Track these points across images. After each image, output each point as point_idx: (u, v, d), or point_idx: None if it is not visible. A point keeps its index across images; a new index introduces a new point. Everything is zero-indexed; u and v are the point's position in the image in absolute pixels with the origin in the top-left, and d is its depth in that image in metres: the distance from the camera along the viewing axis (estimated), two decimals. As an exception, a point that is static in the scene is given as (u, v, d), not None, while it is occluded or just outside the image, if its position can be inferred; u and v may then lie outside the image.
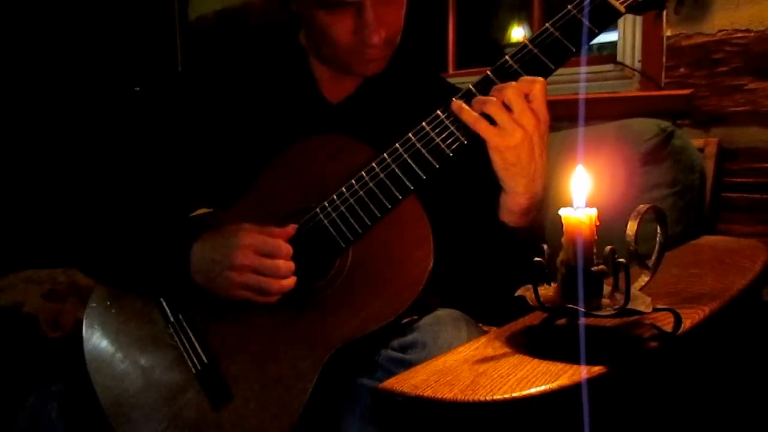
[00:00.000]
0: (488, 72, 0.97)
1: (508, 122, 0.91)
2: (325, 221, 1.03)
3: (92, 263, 1.16)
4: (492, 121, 0.93)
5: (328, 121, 1.14)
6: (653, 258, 0.80)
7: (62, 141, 2.52)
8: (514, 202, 0.99)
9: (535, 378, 0.66)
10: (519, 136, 0.91)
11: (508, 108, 0.91)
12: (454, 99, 0.97)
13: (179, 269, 1.03)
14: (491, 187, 1.00)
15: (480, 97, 0.94)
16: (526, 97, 0.91)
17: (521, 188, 0.97)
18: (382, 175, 1.00)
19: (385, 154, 1.00)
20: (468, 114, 0.94)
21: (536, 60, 0.94)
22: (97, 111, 2.64)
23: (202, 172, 1.15)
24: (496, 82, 0.95)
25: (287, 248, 0.99)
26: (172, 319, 1.07)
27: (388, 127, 1.01)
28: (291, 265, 0.99)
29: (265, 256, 0.98)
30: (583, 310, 0.70)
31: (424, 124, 0.98)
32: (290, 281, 0.99)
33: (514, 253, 0.96)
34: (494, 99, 0.92)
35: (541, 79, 0.92)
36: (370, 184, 1.01)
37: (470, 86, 0.97)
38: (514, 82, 0.92)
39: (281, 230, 1.01)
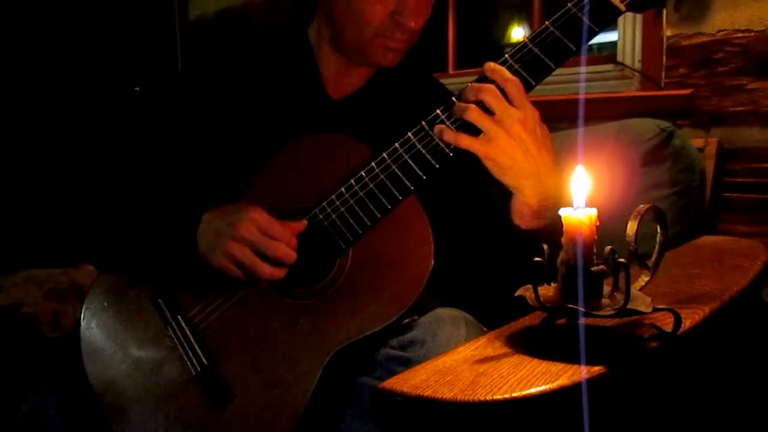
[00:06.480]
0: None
1: (491, 127, 0.90)
2: (325, 222, 1.02)
3: (102, 241, 1.14)
4: (475, 128, 0.92)
5: (328, 118, 1.14)
6: (653, 258, 0.80)
7: (63, 140, 2.52)
8: (523, 203, 0.97)
9: (535, 378, 0.66)
10: (504, 138, 0.90)
11: (489, 112, 0.91)
12: (436, 124, 0.96)
13: (186, 233, 1.03)
14: (492, 186, 1.00)
15: (459, 105, 0.93)
16: (506, 97, 0.91)
17: (529, 190, 0.95)
18: (382, 176, 1.00)
19: (384, 154, 1.00)
20: (449, 134, 0.94)
21: (536, 59, 0.94)
22: (97, 110, 2.64)
23: (202, 167, 1.14)
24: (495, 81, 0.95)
25: (291, 236, 0.99)
26: (171, 321, 1.07)
27: (387, 127, 1.01)
28: (291, 253, 0.99)
29: (268, 237, 0.98)
30: (583, 310, 0.70)
31: (423, 123, 0.98)
32: (281, 271, 0.99)
33: (521, 255, 0.96)
34: (473, 106, 0.91)
35: (515, 78, 0.92)
36: (370, 185, 1.00)
37: (469, 84, 0.97)
38: (490, 85, 0.91)
39: (292, 223, 1.01)
